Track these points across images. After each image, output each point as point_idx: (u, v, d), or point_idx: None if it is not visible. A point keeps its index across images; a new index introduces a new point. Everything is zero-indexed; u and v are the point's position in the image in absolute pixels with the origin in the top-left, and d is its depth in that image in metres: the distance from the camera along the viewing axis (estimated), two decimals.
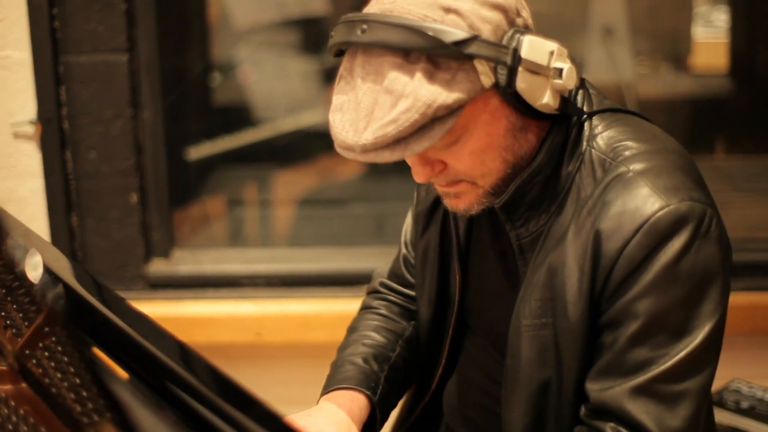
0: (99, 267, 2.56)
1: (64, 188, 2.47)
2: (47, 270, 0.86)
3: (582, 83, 1.27)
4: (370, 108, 1.08)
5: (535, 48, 1.12)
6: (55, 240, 2.50)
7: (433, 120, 1.08)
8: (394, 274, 1.58)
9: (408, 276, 1.55)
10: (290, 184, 3.10)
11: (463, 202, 1.24)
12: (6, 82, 2.41)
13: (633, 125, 1.25)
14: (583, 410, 1.23)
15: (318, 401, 1.38)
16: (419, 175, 1.19)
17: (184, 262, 2.62)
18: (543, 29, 1.18)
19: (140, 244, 2.55)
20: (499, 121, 1.16)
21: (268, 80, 3.66)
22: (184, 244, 2.72)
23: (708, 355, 1.19)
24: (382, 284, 1.59)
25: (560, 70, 1.14)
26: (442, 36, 1.06)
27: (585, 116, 1.23)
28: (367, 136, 1.08)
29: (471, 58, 1.08)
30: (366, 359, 1.43)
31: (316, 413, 1.33)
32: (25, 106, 2.42)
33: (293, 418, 1.32)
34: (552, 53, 1.14)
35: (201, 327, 2.52)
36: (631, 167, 1.18)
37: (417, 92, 1.07)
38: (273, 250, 2.72)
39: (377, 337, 1.49)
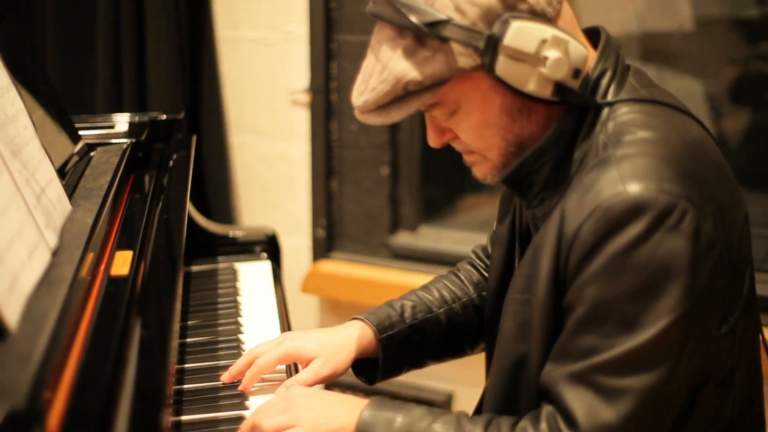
0: (350, 231, 2.79)
1: (326, 154, 2.73)
2: None
3: (624, 69, 1.24)
4: (369, 74, 1.19)
5: (522, 35, 1.12)
6: (316, 202, 2.77)
7: (406, 93, 1.16)
8: (486, 246, 1.62)
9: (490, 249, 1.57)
10: None
11: (478, 170, 1.29)
12: (288, 53, 2.71)
13: (656, 115, 1.19)
14: None
15: None
16: (431, 139, 1.27)
17: (426, 238, 2.76)
18: None
19: (387, 215, 2.73)
20: (491, 100, 1.19)
21: None
22: (436, 223, 2.84)
23: (661, 355, 1.11)
24: (474, 251, 1.63)
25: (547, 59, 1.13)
26: (418, 17, 1.13)
27: (599, 104, 1.20)
28: (360, 100, 1.19)
29: (445, 40, 1.13)
30: (402, 306, 1.50)
31: (311, 334, 1.43)
32: (302, 76, 2.71)
33: (291, 333, 1.45)
34: (544, 41, 1.13)
35: None
36: (617, 152, 1.15)
37: (393, 66, 1.15)
38: None
39: (434, 292, 1.54)
